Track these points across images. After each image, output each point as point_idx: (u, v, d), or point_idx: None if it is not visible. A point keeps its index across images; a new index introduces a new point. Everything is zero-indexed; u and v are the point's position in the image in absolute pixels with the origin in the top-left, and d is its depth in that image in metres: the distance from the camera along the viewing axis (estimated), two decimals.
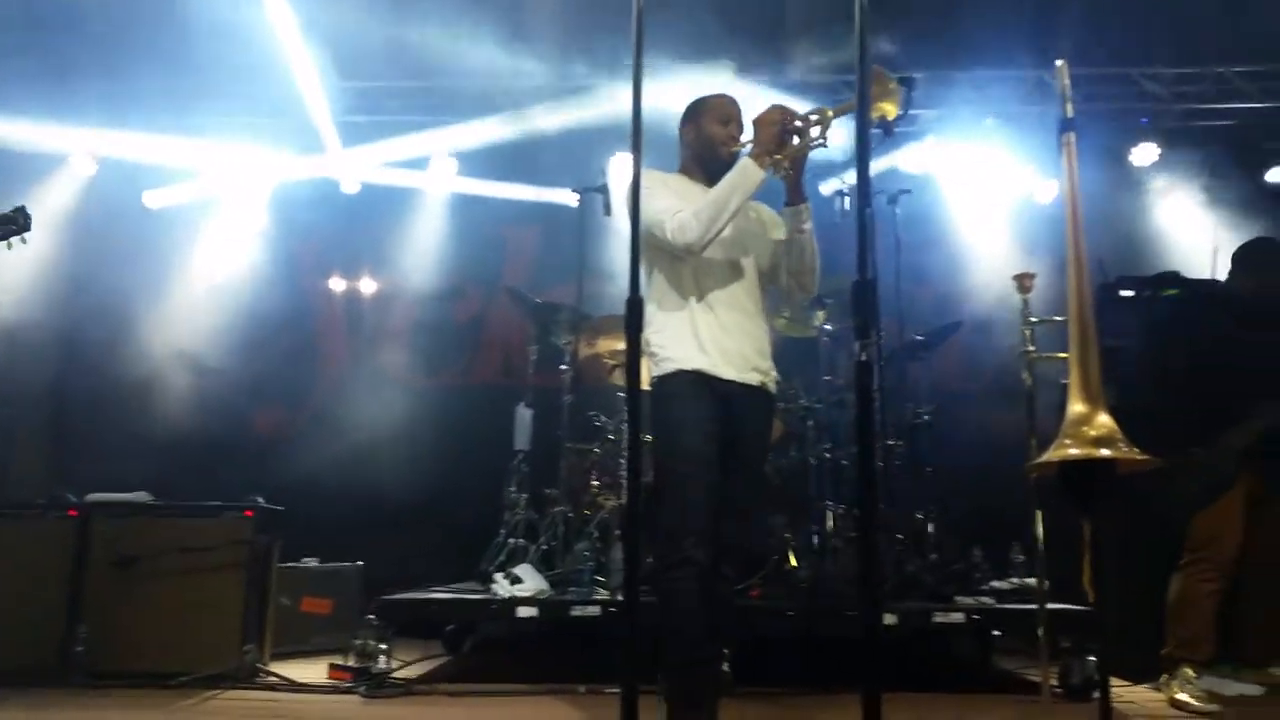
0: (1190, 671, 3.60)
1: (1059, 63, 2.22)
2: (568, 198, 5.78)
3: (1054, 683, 3.63)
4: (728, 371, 2.92)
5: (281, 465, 6.35)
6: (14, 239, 3.66)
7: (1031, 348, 3.01)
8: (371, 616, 4.11)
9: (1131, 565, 4.06)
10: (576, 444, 5.08)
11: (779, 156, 2.89)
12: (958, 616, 3.95)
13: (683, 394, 2.91)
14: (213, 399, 6.73)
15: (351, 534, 5.83)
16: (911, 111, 5.61)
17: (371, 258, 7.30)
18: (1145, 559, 3.94)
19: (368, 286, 7.35)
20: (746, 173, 2.88)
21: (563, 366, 5.22)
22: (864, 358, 1.84)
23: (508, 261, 7.24)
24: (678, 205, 2.92)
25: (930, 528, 4.75)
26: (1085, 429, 1.92)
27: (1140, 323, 4.30)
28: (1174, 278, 4.57)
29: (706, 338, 2.93)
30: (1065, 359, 2.11)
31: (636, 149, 2.20)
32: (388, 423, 6.65)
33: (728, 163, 2.99)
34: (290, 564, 5.05)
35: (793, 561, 4.49)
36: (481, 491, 5.46)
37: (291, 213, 7.15)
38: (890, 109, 2.68)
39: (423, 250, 7.17)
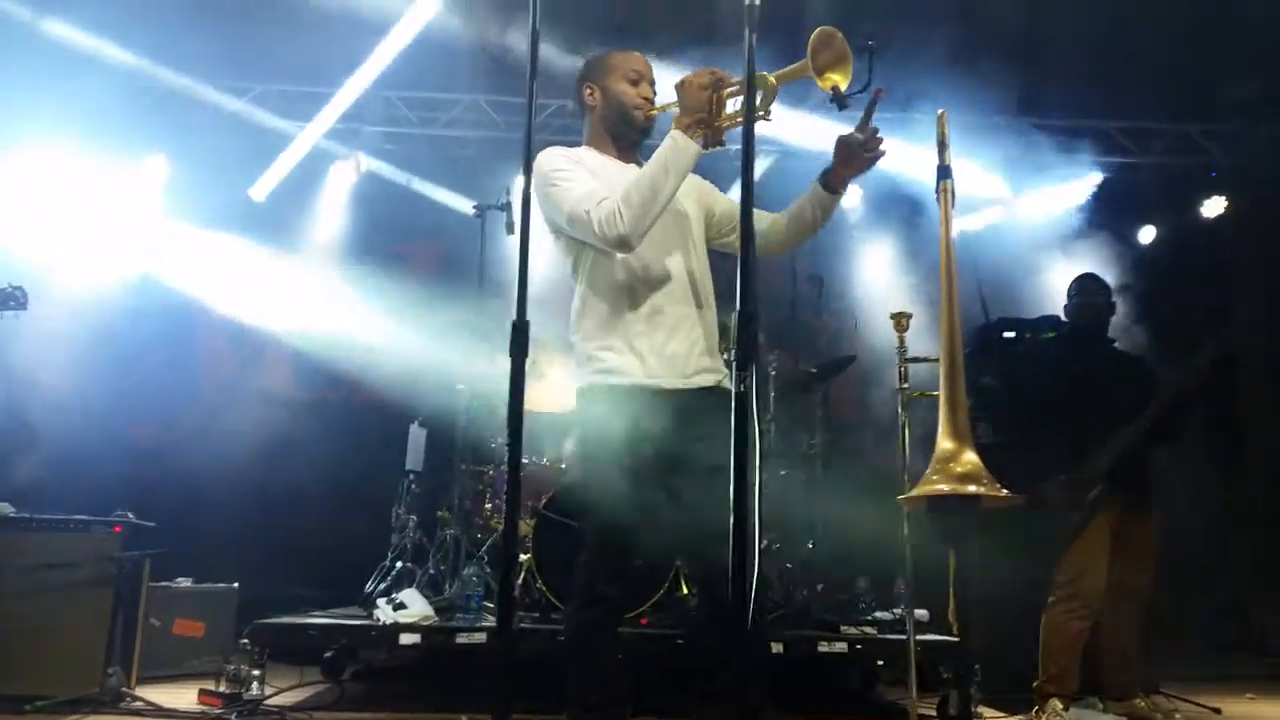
0: (1059, 704, 3.72)
1: (940, 112, 2.30)
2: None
3: (933, 713, 3.72)
4: (671, 380, 2.55)
5: (157, 478, 6.09)
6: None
7: (906, 385, 3.09)
8: (245, 640, 3.97)
9: (1006, 597, 4.19)
10: (471, 465, 5.01)
11: (717, 125, 2.49)
12: (841, 646, 4.01)
13: (609, 413, 2.56)
14: (82, 405, 6.39)
15: (229, 553, 5.63)
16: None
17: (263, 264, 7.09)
18: (1020, 590, 4.06)
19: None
20: (678, 147, 2.45)
21: (460, 386, 5.15)
22: (742, 388, 1.86)
23: (408, 276, 7.12)
24: (600, 190, 2.50)
25: (820, 557, 4.82)
26: (952, 465, 1.98)
27: (1020, 364, 4.48)
28: (1053, 321, 4.76)
29: (644, 343, 2.57)
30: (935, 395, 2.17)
31: (527, 170, 2.19)
32: (272, 437, 6.44)
33: (643, 129, 2.69)
34: (163, 583, 4.83)
35: (684, 589, 4.50)
36: (369, 512, 5.34)
37: (177, 215, 6.89)
38: (841, 79, 2.34)
39: (316, 262, 7.00)
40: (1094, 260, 6.57)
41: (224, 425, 6.62)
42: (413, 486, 5.11)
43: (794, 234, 2.77)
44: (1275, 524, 6.62)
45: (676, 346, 2.57)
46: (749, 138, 2.00)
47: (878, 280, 7.02)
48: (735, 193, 2.30)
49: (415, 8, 6.12)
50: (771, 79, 2.40)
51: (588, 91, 2.76)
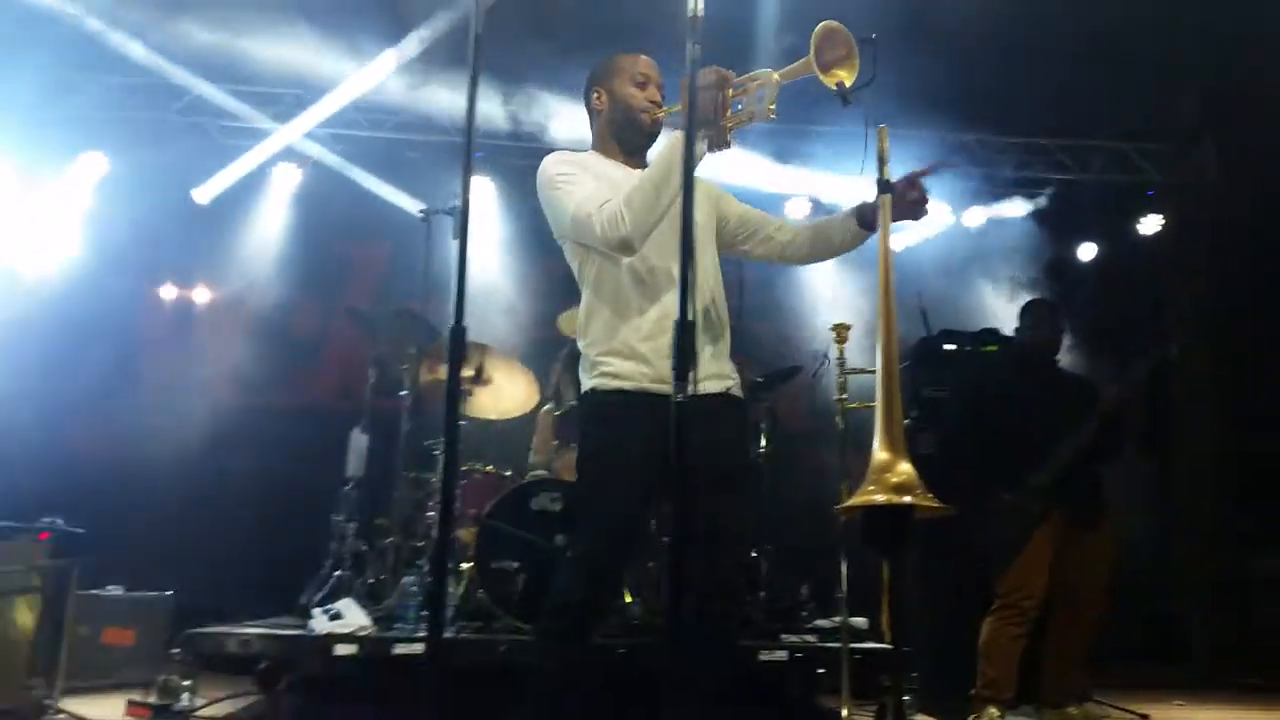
0: (995, 711, 3.77)
1: (880, 127, 2.33)
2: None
3: None
4: (698, 384, 2.34)
5: (88, 484, 5.91)
6: None
7: (844, 395, 3.12)
8: (177, 650, 3.87)
9: (947, 605, 4.24)
10: (413, 473, 4.94)
11: (724, 126, 2.44)
12: (781, 654, 4.01)
13: (614, 417, 2.53)
14: (14, 409, 6.19)
15: (164, 560, 5.49)
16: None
17: (205, 266, 6.97)
18: (960, 599, 4.12)
19: (200, 296, 7.00)
20: (679, 150, 2.29)
21: (403, 392, 5.07)
22: (680, 398, 1.86)
23: (352, 279, 7.05)
24: (603, 193, 2.47)
25: (762, 565, 4.83)
26: (887, 475, 1.99)
27: (961, 376, 4.54)
28: (993, 334, 4.85)
29: (649, 347, 2.52)
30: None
31: (467, 172, 2.16)
32: (208, 442, 6.31)
33: (650, 133, 2.65)
34: (92, 591, 4.70)
35: (627, 597, 4.49)
36: (308, 520, 5.24)
37: (116, 217, 6.75)
38: (846, 75, 2.31)
39: (262, 262, 6.90)
40: (1035, 274, 6.75)
41: (160, 428, 6.47)
42: (353, 494, 5.01)
43: (816, 252, 2.77)
44: (1205, 533, 6.81)
45: (702, 352, 2.50)
46: (690, 148, 2.00)
47: (823, 291, 7.07)
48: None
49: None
50: (775, 76, 2.38)
51: (595, 96, 2.74)
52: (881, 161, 2.35)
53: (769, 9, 5.66)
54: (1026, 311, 4.21)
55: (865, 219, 2.62)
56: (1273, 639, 5.81)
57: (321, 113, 6.53)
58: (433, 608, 1.90)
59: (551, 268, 6.86)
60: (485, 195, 6.91)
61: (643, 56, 2.75)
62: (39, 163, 6.54)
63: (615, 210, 2.43)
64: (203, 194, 6.76)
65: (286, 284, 6.89)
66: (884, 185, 2.36)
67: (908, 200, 2.51)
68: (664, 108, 2.66)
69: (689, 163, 1.96)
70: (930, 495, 1.96)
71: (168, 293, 7.01)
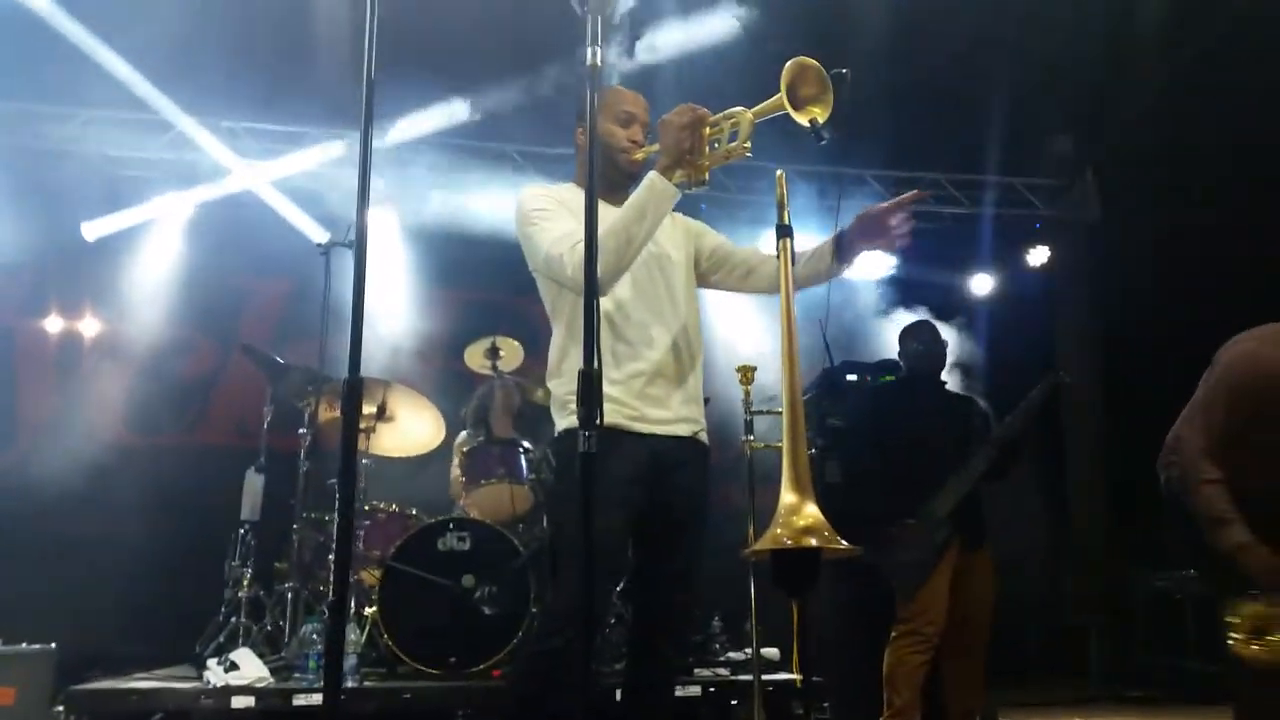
0: None
1: (778, 173, 2.36)
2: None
3: None
4: (650, 425, 2.53)
5: None
6: None
7: (751, 437, 3.15)
8: (59, 709, 3.66)
9: (855, 633, 4.29)
10: (313, 514, 4.78)
11: (700, 164, 2.45)
12: (695, 690, 4.01)
13: (599, 459, 2.39)
14: None
15: (45, 611, 5.18)
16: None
17: (91, 301, 6.67)
18: (869, 626, 4.16)
19: (84, 329, 6.69)
20: (655, 190, 2.41)
21: (301, 430, 4.92)
22: (588, 449, 1.85)
23: (247, 315, 6.83)
24: (577, 232, 2.38)
25: None
26: (794, 518, 2.01)
27: (862, 405, 4.62)
28: (893, 364, 4.96)
29: (623, 385, 2.54)
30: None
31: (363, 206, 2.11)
32: (94, 483, 6.01)
33: (629, 173, 2.64)
34: None
35: None
36: (201, 565, 5.02)
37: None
38: (820, 112, 2.30)
39: (153, 297, 6.63)
40: (929, 306, 6.94)
41: (41, 468, 6.14)
42: (248, 537, 4.82)
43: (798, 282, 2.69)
44: (1101, 551, 7.08)
45: (655, 392, 2.55)
46: (591, 190, 2.00)
47: (723, 331, 7.14)
48: None
49: None
50: (749, 115, 2.37)
51: (579, 129, 2.70)
52: (780, 206, 2.38)
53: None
54: (905, 335, 4.29)
55: (842, 251, 2.63)
56: (1156, 652, 6.07)
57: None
58: (330, 657, 1.81)
59: (460, 297, 6.83)
60: (388, 225, 6.78)
61: (629, 93, 2.74)
62: None
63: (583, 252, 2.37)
64: (92, 230, 6.49)
65: (178, 318, 6.64)
66: (782, 229, 2.40)
67: (888, 229, 2.55)
68: (645, 147, 2.65)
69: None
70: (837, 537, 1.98)
71: (53, 325, 6.68)
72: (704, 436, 2.67)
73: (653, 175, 2.44)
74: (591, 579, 1.99)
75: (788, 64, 2.29)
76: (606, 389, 2.37)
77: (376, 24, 2.05)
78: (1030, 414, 3.95)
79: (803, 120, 2.29)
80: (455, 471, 5.18)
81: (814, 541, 2.00)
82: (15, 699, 4.54)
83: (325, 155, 6.60)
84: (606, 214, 2.50)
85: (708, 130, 2.44)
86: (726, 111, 2.43)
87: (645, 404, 2.54)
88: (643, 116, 2.71)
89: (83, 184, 6.50)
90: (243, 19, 5.66)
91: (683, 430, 2.59)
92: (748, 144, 2.36)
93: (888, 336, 6.88)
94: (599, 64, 1.94)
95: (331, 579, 4.11)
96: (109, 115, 6.50)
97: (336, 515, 1.91)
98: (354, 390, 1.90)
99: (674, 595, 2.60)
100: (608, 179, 2.64)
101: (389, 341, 6.41)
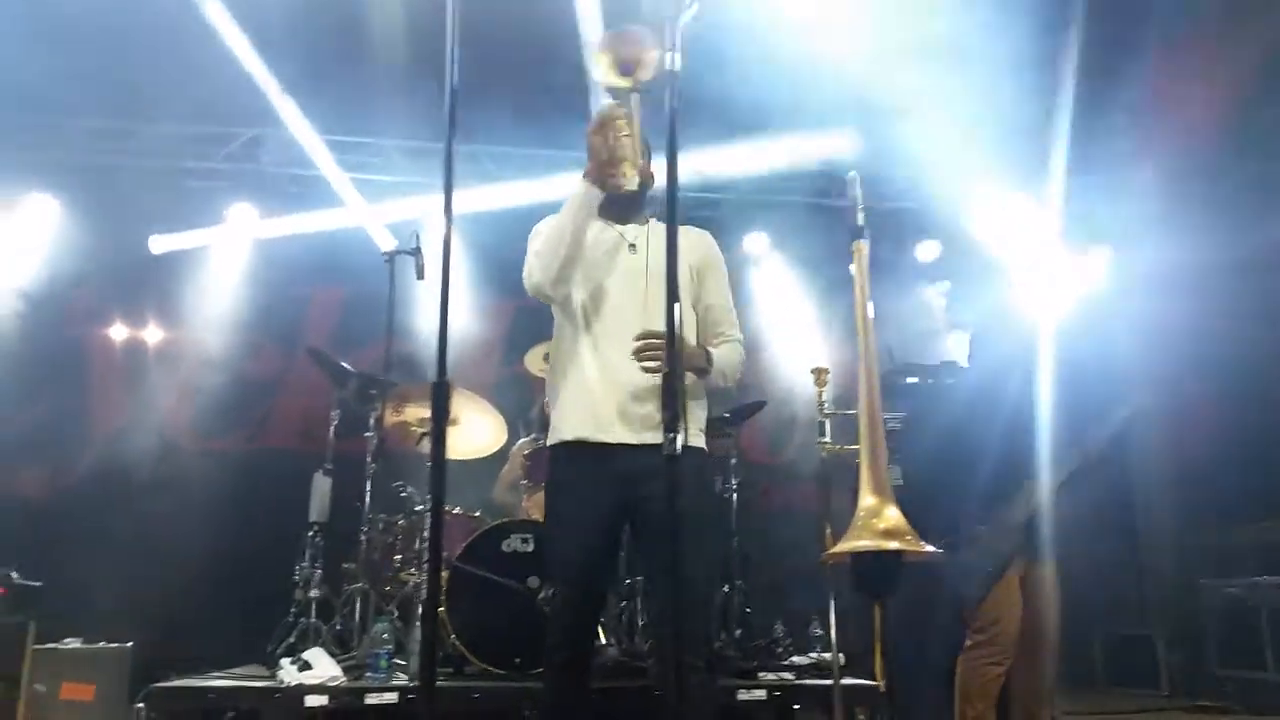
0: None
1: (851, 174, 2.36)
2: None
3: None
4: (626, 435, 2.63)
5: (42, 534, 5.76)
6: None
7: (826, 439, 3.13)
8: (140, 705, 3.76)
9: (925, 641, 4.24)
10: (379, 515, 4.86)
11: (622, 169, 2.60)
12: (760, 693, 4.01)
13: (561, 473, 2.72)
14: None
15: (124, 612, 5.33)
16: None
17: (160, 309, 6.86)
18: (938, 635, 4.12)
19: (154, 337, 6.88)
20: (576, 193, 2.61)
21: (367, 433, 5.00)
22: (672, 452, 1.86)
23: (311, 321, 6.97)
24: (534, 244, 2.67)
25: (737, 602, 4.82)
26: (875, 521, 2.00)
27: (922, 408, 4.57)
28: (953, 366, 4.92)
29: (602, 398, 2.64)
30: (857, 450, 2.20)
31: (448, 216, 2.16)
32: (167, 487, 6.17)
33: (610, 191, 2.71)
34: (49, 645, 4.55)
35: (601, 638, 4.45)
36: (271, 566, 5.12)
37: (66, 258, 6.63)
38: (644, 72, 2.42)
39: (219, 304, 6.80)
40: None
41: (116, 475, 6.34)
42: (317, 539, 4.92)
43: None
44: (1169, 557, 6.92)
45: (636, 402, 2.64)
46: (672, 237, 2.00)
47: (788, 330, 7.14)
48: None
49: None
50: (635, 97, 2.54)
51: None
52: (855, 207, 2.38)
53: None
54: (978, 341, 4.23)
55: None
56: (1229, 662, 5.91)
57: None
58: (427, 654, 1.85)
59: (519, 304, 6.90)
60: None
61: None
62: None
63: (529, 262, 2.67)
64: (159, 244, 6.68)
65: (242, 325, 6.80)
66: (856, 230, 2.40)
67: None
68: (650, 173, 2.75)
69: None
70: (919, 540, 1.98)
71: (122, 333, 6.88)
72: (690, 440, 2.68)
73: (578, 180, 2.67)
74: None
75: (601, 36, 2.48)
76: (585, 400, 2.68)
77: (458, 33, 2.09)
78: (1115, 435, 3.87)
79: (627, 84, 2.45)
80: (504, 473, 5.24)
81: (896, 545, 1.99)
82: (95, 696, 4.69)
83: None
84: (603, 231, 2.81)
85: (621, 125, 2.60)
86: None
87: (621, 415, 2.64)
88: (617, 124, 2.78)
89: (150, 195, 6.69)
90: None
91: (659, 438, 2.60)
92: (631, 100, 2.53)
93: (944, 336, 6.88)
94: (678, 69, 1.95)
95: (425, 578, 4.27)
96: (174, 130, 6.67)
97: (430, 514, 1.95)
98: (442, 392, 1.94)
99: (671, 599, 2.52)
100: (608, 199, 2.75)
101: (451, 345, 6.47)
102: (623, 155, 2.61)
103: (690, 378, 2.72)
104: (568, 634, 2.68)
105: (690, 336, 2.79)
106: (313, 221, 6.77)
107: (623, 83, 2.44)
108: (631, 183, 2.64)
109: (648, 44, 2.39)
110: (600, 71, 2.44)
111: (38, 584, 4.13)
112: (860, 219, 2.35)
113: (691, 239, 2.89)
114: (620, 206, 2.82)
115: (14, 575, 4.03)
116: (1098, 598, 6.32)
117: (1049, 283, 7.34)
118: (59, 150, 6.61)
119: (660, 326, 2.52)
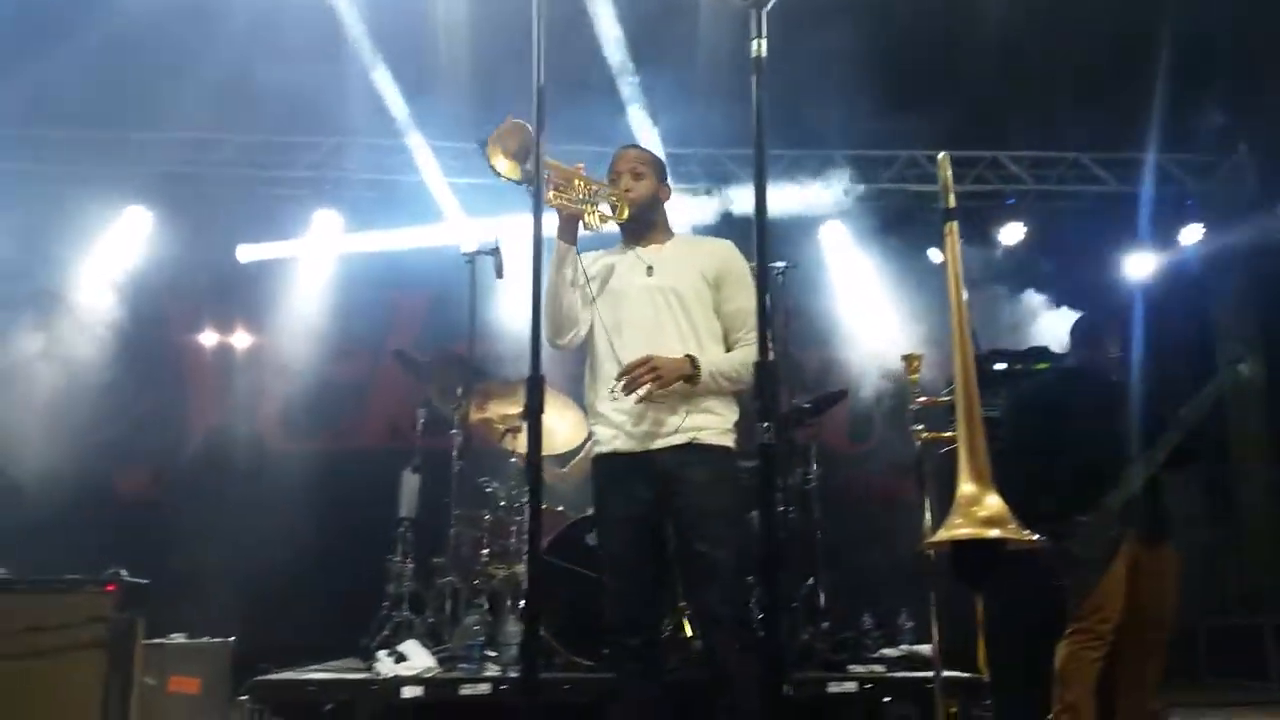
0: None
1: (941, 155, 2.32)
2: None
3: None
4: (646, 443, 2.84)
5: (146, 533, 6.01)
6: None
7: (921, 427, 3.08)
8: (244, 698, 3.89)
9: (1019, 630, 4.15)
10: (466, 511, 4.94)
11: (586, 219, 2.87)
12: (851, 686, 3.97)
13: (602, 483, 2.96)
14: (70, 461, 6.29)
15: (223, 607, 5.53)
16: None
17: (250, 315, 7.08)
18: (1032, 624, 4.03)
19: (245, 342, 7.10)
20: (554, 251, 2.86)
21: (452, 431, 5.10)
22: (768, 440, 1.86)
23: (395, 324, 7.11)
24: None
25: (822, 594, 4.79)
26: (975, 509, 1.97)
27: (1011, 395, 4.44)
28: (1043, 352, 4.79)
29: (618, 410, 2.87)
30: (952, 438, 2.16)
31: (537, 215, 2.19)
32: (263, 487, 6.38)
33: (623, 221, 2.99)
34: (156, 640, 4.74)
35: (687, 630, 4.46)
36: (364, 561, 5.26)
37: (161, 267, 6.88)
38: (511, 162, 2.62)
39: (306, 309, 7.00)
40: (1072, 289, 6.69)
41: (214, 475, 6.57)
42: (407, 534, 5.03)
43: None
44: (1272, 545, 6.66)
45: (651, 410, 2.83)
46: (762, 233, 1.99)
47: (867, 318, 7.04)
48: None
49: None
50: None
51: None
52: (945, 189, 2.34)
53: None
54: (1088, 330, 4.11)
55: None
56: None
57: None
58: (528, 644, 1.88)
59: None
60: (524, 231, 6.94)
61: (620, 150, 3.13)
62: (87, 218, 6.69)
63: None
64: (246, 253, 6.89)
65: (330, 331, 6.97)
66: (948, 213, 2.35)
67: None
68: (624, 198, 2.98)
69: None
70: (1021, 528, 1.94)
71: (214, 339, 7.12)
72: (706, 438, 2.86)
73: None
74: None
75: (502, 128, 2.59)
76: (600, 409, 2.91)
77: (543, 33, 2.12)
78: (1211, 402, 3.73)
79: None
80: (579, 464, 5.28)
81: (997, 533, 1.95)
82: (200, 688, 4.87)
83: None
84: (619, 258, 3.05)
85: (575, 180, 2.84)
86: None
87: (638, 424, 2.84)
88: (624, 167, 3.04)
89: (237, 205, 6.92)
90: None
91: (678, 439, 2.84)
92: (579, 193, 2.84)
93: (1030, 322, 6.71)
94: (764, 55, 1.94)
95: (512, 572, 4.39)
96: (261, 139, 6.87)
97: (526, 507, 1.99)
98: (536, 387, 1.97)
99: (702, 595, 2.87)
100: (625, 229, 3.04)
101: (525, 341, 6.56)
102: (582, 205, 2.83)
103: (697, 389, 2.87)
104: (620, 622, 2.87)
105: (710, 344, 2.94)
106: (399, 230, 6.89)
107: (514, 174, 2.60)
108: (601, 223, 2.89)
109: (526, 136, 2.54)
110: (499, 165, 2.61)
111: (145, 581, 4.29)
112: (951, 200, 2.31)
113: (710, 249, 3.07)
114: (635, 233, 3.04)
115: (123, 573, 4.18)
116: (1200, 584, 6.10)
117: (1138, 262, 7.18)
118: (151, 164, 6.85)
119: (674, 342, 2.87)
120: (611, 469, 2.92)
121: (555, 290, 2.87)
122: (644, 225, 3.04)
